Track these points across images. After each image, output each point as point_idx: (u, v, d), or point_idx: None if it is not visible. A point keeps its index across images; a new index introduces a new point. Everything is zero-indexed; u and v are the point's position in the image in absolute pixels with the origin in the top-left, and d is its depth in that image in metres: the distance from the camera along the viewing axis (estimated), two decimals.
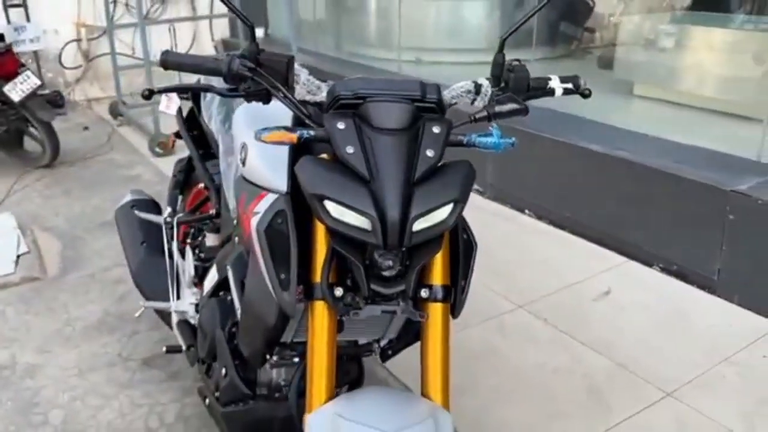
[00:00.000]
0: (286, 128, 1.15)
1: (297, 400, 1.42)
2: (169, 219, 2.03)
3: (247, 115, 1.41)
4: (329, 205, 1.10)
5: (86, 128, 5.27)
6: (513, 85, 1.32)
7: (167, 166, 4.39)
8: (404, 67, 4.82)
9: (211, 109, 1.90)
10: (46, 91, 4.43)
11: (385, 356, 1.54)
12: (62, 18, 5.85)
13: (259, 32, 6.19)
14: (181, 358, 2.37)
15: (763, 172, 2.67)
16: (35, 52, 5.51)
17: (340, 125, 1.14)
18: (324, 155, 1.18)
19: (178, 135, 2.41)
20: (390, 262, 1.12)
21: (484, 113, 1.27)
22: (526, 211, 3.47)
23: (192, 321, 1.93)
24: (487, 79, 1.33)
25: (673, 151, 2.98)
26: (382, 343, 1.50)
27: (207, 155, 2.36)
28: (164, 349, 2.02)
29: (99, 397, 2.21)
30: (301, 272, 1.21)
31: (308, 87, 1.26)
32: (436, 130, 1.15)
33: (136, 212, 2.19)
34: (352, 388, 1.56)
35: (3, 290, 2.89)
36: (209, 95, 1.94)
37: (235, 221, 1.66)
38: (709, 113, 3.48)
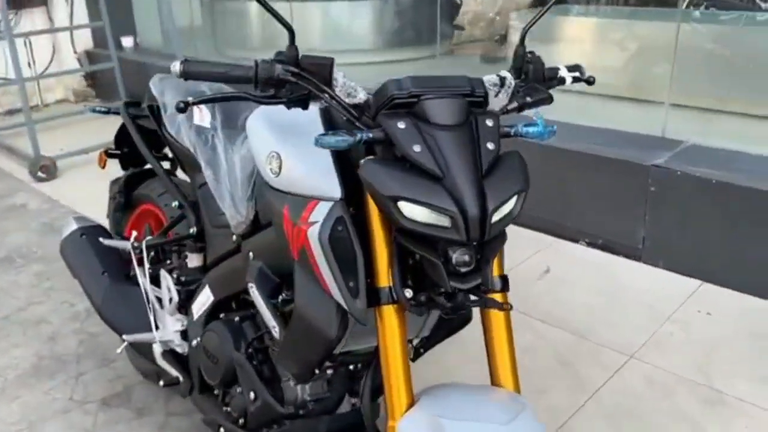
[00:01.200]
0: (347, 132, 1.11)
1: (370, 408, 1.38)
2: (136, 243, 1.88)
3: (268, 122, 1.34)
4: (404, 205, 1.08)
5: None
6: (532, 76, 1.36)
7: (54, 191, 4.06)
8: None
9: (177, 122, 1.78)
10: None
11: (417, 355, 1.53)
12: None
13: (128, 41, 5.87)
14: (142, 393, 2.23)
15: (670, 147, 2.95)
16: None
17: (401, 125, 1.12)
18: (371, 158, 1.15)
19: (109, 153, 2.25)
20: (467, 257, 1.12)
21: (515, 104, 1.31)
22: None
23: (179, 350, 1.80)
24: (509, 71, 1.37)
25: (585, 134, 3.20)
26: (416, 341, 1.50)
27: (147, 172, 2.21)
28: (161, 383, 1.87)
29: None
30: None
31: (347, 89, 1.22)
32: (489, 123, 1.17)
33: (88, 240, 2.00)
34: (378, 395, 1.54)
35: None
36: (170, 110, 1.82)
37: (235, 236, 1.58)
38: (607, 98, 3.78)
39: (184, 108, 1.15)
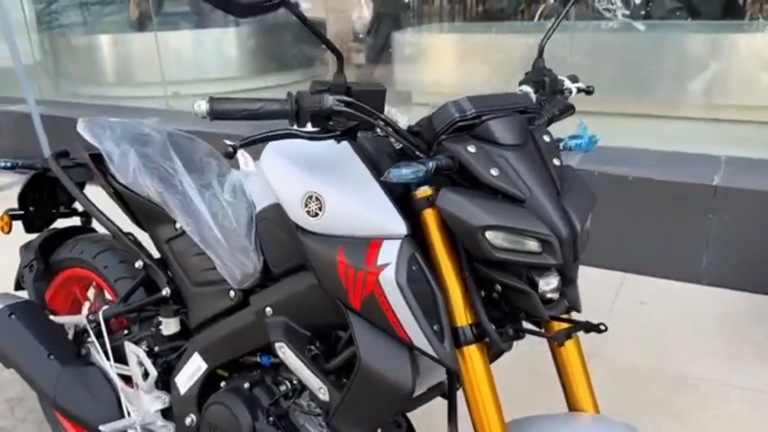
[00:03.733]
0: (419, 162, 1.01)
1: None
2: (92, 316, 1.59)
3: (295, 161, 1.18)
4: (492, 235, 1.00)
5: None
6: (549, 89, 1.34)
7: None
8: (169, 103, 4.47)
9: (130, 168, 1.54)
10: None
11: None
12: None
13: None
14: None
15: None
16: None
17: (471, 149, 1.04)
18: (448, 187, 1.06)
19: (12, 215, 1.92)
20: (555, 283, 1.06)
21: (545, 118, 1.27)
22: None
23: None
24: (527, 84, 1.33)
25: None
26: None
27: (63, 232, 1.93)
28: None
29: None
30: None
31: (391, 117, 1.12)
32: (547, 138, 1.12)
33: (20, 320, 1.66)
34: None
35: None
36: (117, 154, 1.58)
37: (235, 291, 1.39)
38: None
39: (233, 153, 0.98)
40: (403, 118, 1.16)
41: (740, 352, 2.38)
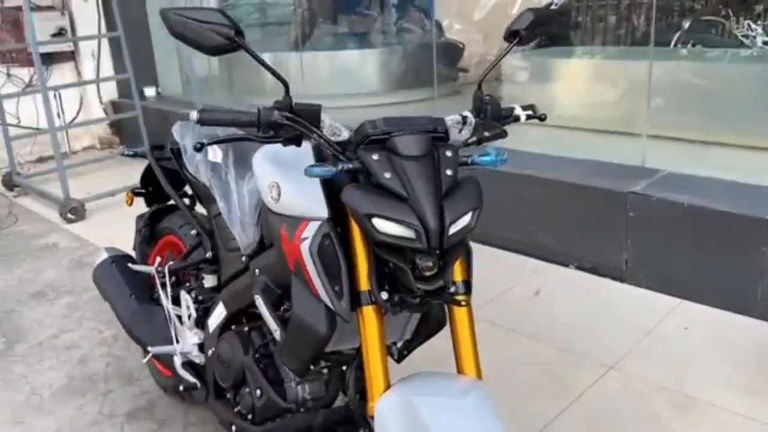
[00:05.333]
0: (331, 163, 1.37)
1: (356, 399, 1.60)
2: (160, 268, 2.14)
3: (271, 158, 1.61)
4: (377, 221, 1.33)
5: None
6: (490, 115, 1.62)
7: (84, 231, 4.37)
8: None
9: (195, 162, 2.06)
10: None
11: (401, 357, 1.76)
12: None
13: (151, 91, 6.27)
14: (165, 406, 2.46)
15: (649, 175, 3.18)
16: None
17: (375, 156, 1.38)
18: (360, 184, 1.40)
19: (135, 193, 2.53)
20: (430, 263, 1.36)
21: (474, 138, 1.56)
22: None
23: (197, 360, 2.05)
24: (470, 111, 1.63)
25: (572, 165, 3.45)
26: (399, 344, 1.73)
27: (169, 208, 2.49)
28: (181, 388, 2.10)
29: None
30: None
31: (332, 129, 1.49)
32: (449, 153, 1.42)
33: (117, 267, 2.27)
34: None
35: None
36: (189, 151, 2.10)
37: (244, 257, 1.83)
38: (596, 132, 4.04)
39: (200, 148, 1.41)
40: (345, 129, 1.51)
41: (765, 387, 2.38)
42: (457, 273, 1.48)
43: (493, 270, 3.38)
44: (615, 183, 3.11)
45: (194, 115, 1.41)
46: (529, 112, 1.69)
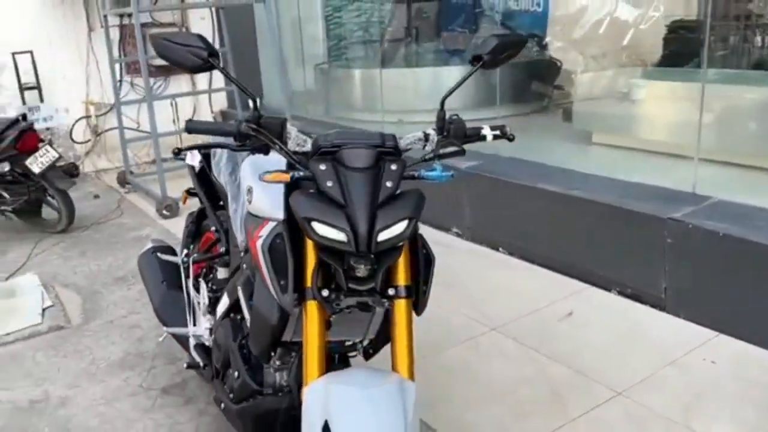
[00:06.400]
0: (281, 170, 1.54)
1: (298, 389, 1.76)
2: (185, 259, 2.41)
3: (252, 165, 1.81)
4: (315, 225, 1.48)
5: (97, 196, 5.69)
6: (453, 133, 1.73)
7: (173, 226, 4.81)
8: (388, 128, 5.31)
9: (219, 165, 2.31)
10: (62, 163, 4.86)
11: (367, 355, 1.89)
12: (72, 97, 6.37)
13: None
14: (195, 385, 2.73)
15: (697, 202, 3.07)
16: (48, 129, 5.98)
17: (322, 167, 1.53)
18: (311, 190, 1.57)
19: (189, 192, 2.82)
20: (362, 266, 1.49)
21: (431, 154, 1.68)
22: (500, 248, 3.86)
23: (207, 343, 2.29)
24: (433, 129, 1.75)
25: (621, 188, 3.39)
26: (365, 343, 1.86)
27: (216, 207, 2.77)
28: (185, 365, 2.36)
29: (125, 420, 2.54)
30: (296, 281, 1.58)
31: (297, 141, 1.67)
32: (393, 167, 1.55)
33: (156, 256, 2.57)
34: None
35: (33, 338, 3.24)
36: (218, 154, 2.35)
37: (242, 252, 2.04)
38: (659, 155, 3.93)
39: (177, 153, 1.64)
40: (307, 141, 1.68)
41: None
42: (400, 278, 1.60)
43: (531, 288, 3.40)
44: (655, 208, 3.04)
45: (182, 124, 1.64)
46: (497, 132, 1.78)
